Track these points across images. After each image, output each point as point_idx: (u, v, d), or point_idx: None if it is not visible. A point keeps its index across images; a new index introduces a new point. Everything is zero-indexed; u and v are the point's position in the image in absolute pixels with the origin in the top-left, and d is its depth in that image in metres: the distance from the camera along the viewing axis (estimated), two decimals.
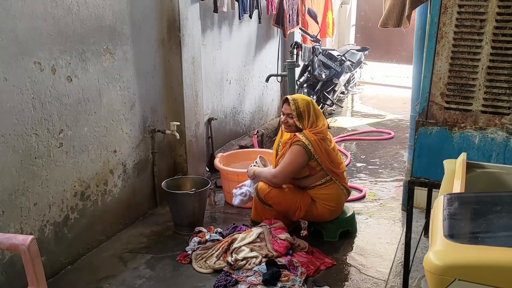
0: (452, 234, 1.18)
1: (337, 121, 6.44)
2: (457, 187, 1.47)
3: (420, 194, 3.40)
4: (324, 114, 5.83)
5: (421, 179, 2.16)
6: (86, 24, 2.88)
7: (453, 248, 1.12)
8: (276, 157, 3.35)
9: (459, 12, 1.95)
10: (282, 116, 3.30)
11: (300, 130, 3.19)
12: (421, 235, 3.11)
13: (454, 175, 1.61)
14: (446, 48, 1.98)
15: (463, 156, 1.69)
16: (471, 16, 1.93)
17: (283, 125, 3.31)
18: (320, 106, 6.07)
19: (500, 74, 1.92)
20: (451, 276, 1.08)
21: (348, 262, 3.07)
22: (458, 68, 1.98)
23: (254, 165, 3.45)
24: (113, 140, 3.24)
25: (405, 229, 2.48)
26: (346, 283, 2.84)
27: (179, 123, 3.71)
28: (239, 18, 4.72)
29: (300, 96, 3.28)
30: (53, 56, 2.67)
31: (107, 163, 3.20)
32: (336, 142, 4.53)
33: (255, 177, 3.35)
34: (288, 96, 3.25)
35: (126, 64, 3.27)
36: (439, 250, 1.13)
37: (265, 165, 3.51)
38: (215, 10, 4.23)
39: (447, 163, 1.75)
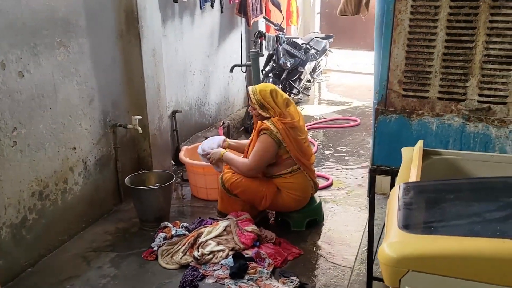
0: (407, 225, 1.18)
1: (304, 110, 6.43)
2: (414, 175, 1.47)
3: (385, 180, 3.42)
4: None
5: (382, 167, 2.17)
6: (37, 16, 2.76)
7: (407, 239, 1.12)
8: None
9: None
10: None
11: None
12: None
13: (411, 163, 1.61)
14: (402, 35, 1.98)
15: (419, 143, 1.70)
16: (426, 3, 1.93)
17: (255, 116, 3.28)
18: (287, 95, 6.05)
19: (455, 60, 1.94)
20: (405, 267, 1.07)
21: (315, 251, 3.08)
22: (414, 55, 1.99)
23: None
24: (72, 136, 3.13)
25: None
26: (313, 272, 2.85)
27: (141, 117, 3.62)
28: (201, 8, 4.63)
29: (262, 86, 3.24)
30: (2, 51, 2.55)
31: (66, 161, 3.10)
32: None
33: (218, 161, 3.29)
34: (249, 88, 3.22)
35: (83, 57, 3.16)
36: (393, 242, 1.12)
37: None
38: (175, 0, 4.13)
39: (404, 151, 1.75)
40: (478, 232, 1.09)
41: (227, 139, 3.48)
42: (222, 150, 3.30)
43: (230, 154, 3.28)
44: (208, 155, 3.32)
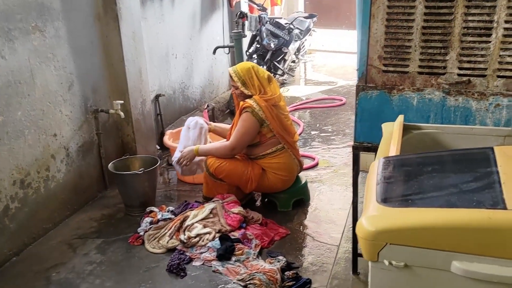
0: (385, 198, 1.17)
1: (289, 91, 6.41)
2: (393, 150, 1.46)
3: (370, 158, 3.42)
4: None
5: (364, 144, 2.16)
6: (8, 0, 2.68)
7: (384, 212, 1.11)
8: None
9: None
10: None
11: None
12: None
13: (391, 138, 1.60)
14: (381, 10, 1.96)
15: (400, 118, 1.69)
16: None
17: (236, 97, 3.26)
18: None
19: (434, 34, 1.92)
20: (382, 240, 1.07)
21: (302, 230, 3.09)
22: (393, 30, 1.96)
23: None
24: (52, 123, 3.08)
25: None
26: (300, 251, 2.87)
27: (122, 101, 3.56)
28: None
29: (241, 64, 3.23)
30: None
31: (47, 148, 3.05)
32: (289, 111, 4.50)
33: (196, 155, 3.26)
34: (229, 69, 3.20)
35: (59, 42, 3.09)
36: (371, 216, 1.12)
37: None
38: None
39: (385, 126, 1.75)
40: (455, 203, 1.09)
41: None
42: (194, 146, 3.25)
43: (204, 146, 3.25)
44: (181, 159, 3.24)
